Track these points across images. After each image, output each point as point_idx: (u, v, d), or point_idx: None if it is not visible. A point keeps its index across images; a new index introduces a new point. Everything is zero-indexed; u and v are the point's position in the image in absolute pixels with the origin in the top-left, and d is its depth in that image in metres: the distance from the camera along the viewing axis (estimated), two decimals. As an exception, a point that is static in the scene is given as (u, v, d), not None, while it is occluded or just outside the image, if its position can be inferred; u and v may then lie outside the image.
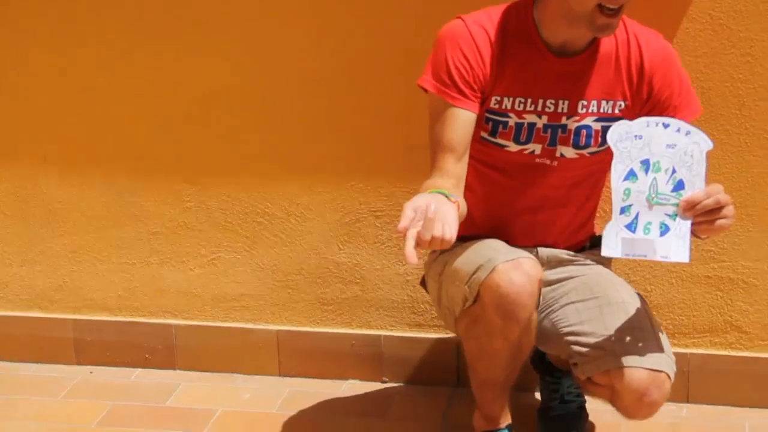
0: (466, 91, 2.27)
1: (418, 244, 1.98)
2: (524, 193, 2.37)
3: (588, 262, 2.43)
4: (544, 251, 2.40)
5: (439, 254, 2.38)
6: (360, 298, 2.90)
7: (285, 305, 2.94)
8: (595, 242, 2.48)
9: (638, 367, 2.21)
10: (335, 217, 2.85)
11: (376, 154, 2.78)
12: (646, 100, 2.31)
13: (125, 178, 2.92)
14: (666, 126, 2.13)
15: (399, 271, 2.86)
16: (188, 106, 2.85)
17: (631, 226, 2.13)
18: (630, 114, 2.31)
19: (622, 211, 2.13)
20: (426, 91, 2.31)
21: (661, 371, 2.22)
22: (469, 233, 2.35)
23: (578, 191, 2.40)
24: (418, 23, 2.65)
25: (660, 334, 2.28)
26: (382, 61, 2.73)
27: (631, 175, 2.13)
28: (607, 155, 2.36)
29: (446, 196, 2.08)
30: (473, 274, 2.21)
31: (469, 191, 2.32)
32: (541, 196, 2.37)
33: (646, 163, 2.13)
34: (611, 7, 2.16)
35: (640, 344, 2.24)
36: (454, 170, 2.26)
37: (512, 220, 2.40)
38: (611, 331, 2.25)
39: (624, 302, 2.30)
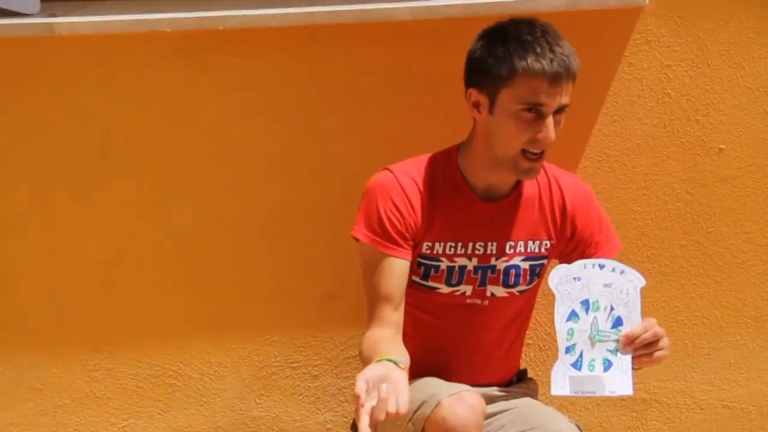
0: (399, 240, 2.31)
1: (372, 420, 1.96)
2: (457, 335, 2.40)
3: (518, 395, 2.46)
4: (476, 389, 2.42)
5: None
6: (279, 452, 2.84)
7: (200, 467, 2.84)
8: (522, 376, 2.54)
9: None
10: (250, 371, 2.79)
11: (291, 305, 2.76)
12: (570, 238, 2.40)
13: (27, 352, 2.77)
14: (602, 267, 2.21)
15: (319, 420, 2.81)
16: (91, 272, 2.75)
17: (577, 364, 2.19)
18: (555, 252, 2.40)
19: (567, 350, 2.20)
20: (358, 241, 2.33)
21: None
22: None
23: (508, 333, 2.45)
24: (322, 175, 2.70)
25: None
26: (295, 212, 2.72)
27: (573, 315, 2.20)
28: (533, 296, 2.45)
29: (395, 363, 2.08)
30: (416, 410, 2.21)
31: (403, 335, 2.32)
32: (473, 338, 2.40)
33: (585, 303, 2.20)
34: (534, 151, 2.26)
35: (583, 473, 2.29)
36: (393, 319, 2.30)
37: (447, 363, 2.41)
38: None
39: (561, 431, 2.33)
